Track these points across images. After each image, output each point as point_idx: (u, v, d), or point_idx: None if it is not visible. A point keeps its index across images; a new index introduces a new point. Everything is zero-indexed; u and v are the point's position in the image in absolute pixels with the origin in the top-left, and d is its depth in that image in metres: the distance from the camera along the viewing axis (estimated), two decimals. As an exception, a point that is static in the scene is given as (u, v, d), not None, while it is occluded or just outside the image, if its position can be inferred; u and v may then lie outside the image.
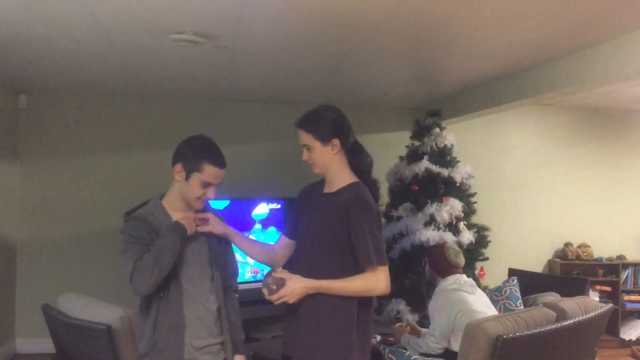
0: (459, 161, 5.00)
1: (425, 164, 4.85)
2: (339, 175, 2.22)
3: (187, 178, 2.10)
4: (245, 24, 2.96)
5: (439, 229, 4.66)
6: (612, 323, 5.35)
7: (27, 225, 5.16)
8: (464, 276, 3.37)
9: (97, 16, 2.85)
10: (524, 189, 6.01)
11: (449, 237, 4.60)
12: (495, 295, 3.85)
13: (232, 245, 2.33)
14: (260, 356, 3.61)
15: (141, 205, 2.19)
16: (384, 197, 5.09)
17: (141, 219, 2.08)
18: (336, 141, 2.18)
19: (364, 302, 2.15)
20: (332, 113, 2.22)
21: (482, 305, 3.24)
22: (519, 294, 3.82)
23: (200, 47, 3.35)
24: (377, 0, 2.59)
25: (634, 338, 5.77)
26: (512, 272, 4.59)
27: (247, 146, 5.55)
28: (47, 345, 3.47)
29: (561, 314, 2.94)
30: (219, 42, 3.30)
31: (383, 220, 4.98)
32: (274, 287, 2.08)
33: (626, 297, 5.87)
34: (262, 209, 4.95)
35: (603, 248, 6.03)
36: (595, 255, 5.96)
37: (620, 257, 5.99)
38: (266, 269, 2.41)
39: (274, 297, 2.09)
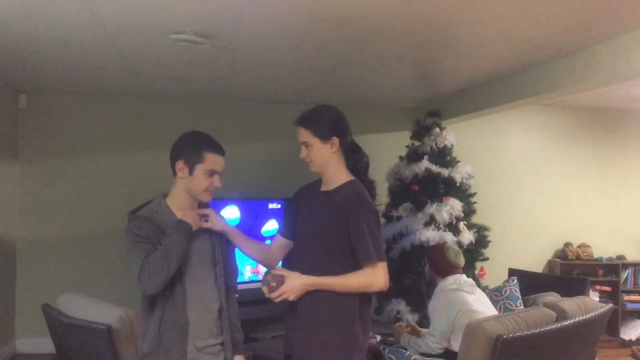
0: (459, 161, 5.00)
1: (425, 164, 4.84)
2: (336, 173, 2.24)
3: (190, 172, 2.12)
4: (245, 24, 2.97)
5: (439, 229, 4.66)
6: (612, 323, 5.35)
7: (27, 225, 5.16)
8: (464, 276, 3.38)
9: (97, 16, 2.85)
10: (524, 189, 6.01)
11: (449, 237, 4.60)
12: (495, 295, 3.85)
13: (232, 246, 2.34)
14: (260, 356, 3.62)
15: (144, 204, 2.19)
16: (384, 197, 5.11)
17: (146, 217, 2.08)
18: (335, 139, 2.20)
19: (364, 297, 2.17)
20: (332, 112, 2.25)
21: (482, 305, 3.24)
22: (519, 294, 3.82)
23: (200, 47, 3.35)
24: (377, 0, 2.59)
25: (634, 338, 5.76)
26: (512, 272, 4.59)
27: (247, 146, 5.55)
28: (47, 345, 3.47)
29: (561, 314, 2.93)
30: (219, 42, 3.30)
31: (383, 220, 4.98)
32: (274, 284, 2.09)
33: (626, 297, 5.87)
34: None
35: (603, 248, 6.03)
36: (595, 255, 5.96)
37: (620, 257, 5.99)
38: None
39: (273, 295, 2.10)
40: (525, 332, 2.61)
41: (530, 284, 4.14)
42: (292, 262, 2.28)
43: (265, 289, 2.12)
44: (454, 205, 4.74)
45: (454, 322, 3.12)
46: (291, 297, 2.09)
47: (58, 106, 5.22)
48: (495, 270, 5.06)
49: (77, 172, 5.25)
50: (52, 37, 3.26)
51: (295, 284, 2.09)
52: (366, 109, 5.79)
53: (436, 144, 4.95)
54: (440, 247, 3.51)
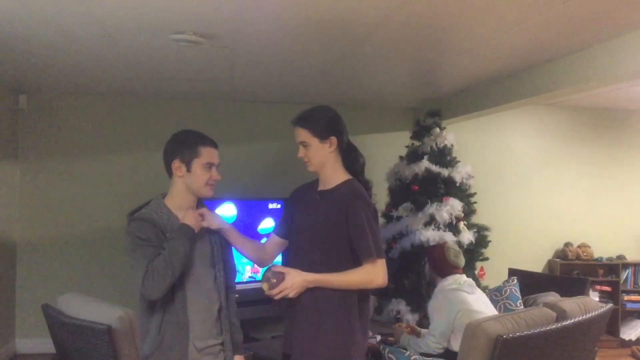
0: (459, 161, 5.00)
1: (425, 164, 4.84)
2: (334, 173, 2.26)
3: (188, 169, 2.12)
4: (245, 24, 2.97)
5: (439, 229, 4.66)
6: (612, 323, 5.36)
7: (27, 225, 5.16)
8: (464, 276, 3.38)
9: (97, 16, 2.85)
10: (524, 189, 6.01)
11: (449, 237, 4.59)
12: (495, 295, 3.84)
13: (230, 246, 2.34)
14: (260, 356, 3.62)
15: (143, 205, 2.19)
16: (384, 197, 5.11)
17: (146, 218, 2.08)
18: (333, 139, 2.22)
19: (362, 294, 2.19)
20: (329, 112, 2.28)
21: (481, 305, 3.24)
22: (519, 294, 3.82)
23: (200, 47, 3.35)
24: (377, 0, 2.59)
25: (634, 338, 5.76)
26: (512, 272, 4.59)
27: (247, 146, 5.55)
28: (47, 345, 3.47)
29: (561, 314, 2.93)
30: (219, 42, 3.30)
31: (383, 220, 4.98)
32: (274, 281, 2.10)
33: (626, 297, 5.87)
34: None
35: (603, 248, 6.02)
36: (595, 255, 5.96)
37: (620, 257, 5.99)
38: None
39: (274, 292, 2.11)
40: (525, 332, 2.61)
41: (530, 284, 4.14)
42: (290, 260, 2.29)
43: (265, 286, 2.13)
44: (454, 205, 4.74)
45: (453, 322, 3.12)
46: (291, 294, 2.10)
47: (58, 106, 5.22)
48: (495, 270, 5.06)
49: (77, 172, 5.26)
50: (52, 37, 3.26)
51: (296, 280, 2.10)
52: (366, 109, 5.79)
53: (436, 144, 4.95)
54: (441, 247, 3.50)
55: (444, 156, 4.94)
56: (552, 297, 3.66)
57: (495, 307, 3.57)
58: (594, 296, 5.61)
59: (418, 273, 4.62)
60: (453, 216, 4.72)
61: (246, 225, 4.75)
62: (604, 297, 5.75)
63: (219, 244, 2.25)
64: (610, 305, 3.18)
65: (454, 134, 5.06)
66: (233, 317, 2.26)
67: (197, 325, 2.11)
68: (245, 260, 4.55)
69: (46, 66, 4.05)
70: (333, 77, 4.36)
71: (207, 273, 2.18)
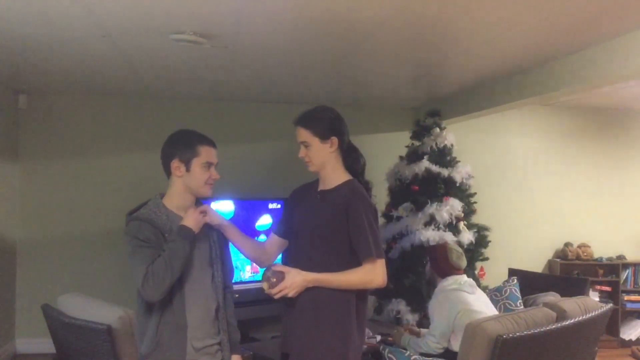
0: (459, 161, 4.99)
1: (425, 164, 4.84)
2: (334, 173, 2.26)
3: (188, 169, 2.13)
4: (245, 24, 2.97)
5: (439, 229, 4.66)
6: (612, 323, 5.35)
7: (27, 225, 5.16)
8: (464, 276, 3.38)
9: (97, 16, 2.85)
10: (524, 189, 6.01)
11: (449, 237, 4.59)
12: (495, 295, 3.85)
13: (228, 246, 2.34)
14: (260, 356, 3.61)
15: (141, 205, 2.18)
16: (384, 197, 5.11)
17: (145, 218, 2.08)
18: (334, 139, 2.22)
19: (360, 294, 2.19)
20: (331, 112, 2.28)
21: (482, 306, 3.24)
22: (519, 294, 3.82)
23: (200, 47, 3.35)
24: (377, 0, 2.59)
25: (634, 338, 5.76)
26: (512, 272, 4.59)
27: (247, 146, 5.55)
28: (47, 345, 3.47)
29: (561, 314, 2.93)
30: (219, 42, 3.30)
31: (383, 220, 4.98)
32: (274, 280, 2.11)
33: (626, 297, 5.87)
34: (265, 220, 4.95)
35: (603, 248, 6.02)
36: (595, 255, 5.95)
37: (620, 257, 5.99)
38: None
39: (273, 291, 2.11)
40: (525, 332, 2.61)
41: (530, 284, 4.14)
42: (290, 259, 2.29)
43: (265, 285, 2.13)
44: (454, 205, 4.74)
45: (454, 322, 3.12)
46: (291, 294, 2.11)
47: (58, 106, 5.22)
48: (495, 270, 5.06)
49: (77, 172, 5.25)
50: (52, 37, 3.26)
51: (295, 280, 2.10)
52: (366, 109, 5.79)
53: (436, 144, 4.94)
54: (443, 247, 3.49)
55: (444, 156, 4.94)
56: (552, 297, 3.66)
57: (495, 307, 3.57)
58: (594, 296, 5.61)
59: (418, 273, 4.61)
60: (453, 216, 4.72)
61: (246, 225, 4.75)
62: (604, 297, 5.75)
63: (217, 244, 2.25)
64: (610, 305, 3.18)
65: (454, 134, 5.06)
66: (230, 316, 2.26)
67: (195, 325, 2.11)
68: (242, 257, 4.55)
69: (46, 66, 4.05)
70: (333, 77, 4.36)
71: (205, 273, 2.18)
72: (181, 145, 2.14)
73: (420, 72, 4.24)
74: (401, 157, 5.19)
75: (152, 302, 2.05)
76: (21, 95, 5.12)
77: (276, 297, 2.12)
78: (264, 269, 2.21)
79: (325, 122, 2.23)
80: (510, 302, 3.76)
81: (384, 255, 2.20)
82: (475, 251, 4.83)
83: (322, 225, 2.20)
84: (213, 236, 2.24)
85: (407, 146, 5.22)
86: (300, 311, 2.17)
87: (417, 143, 5.10)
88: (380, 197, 4.85)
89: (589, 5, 2.65)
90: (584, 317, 2.89)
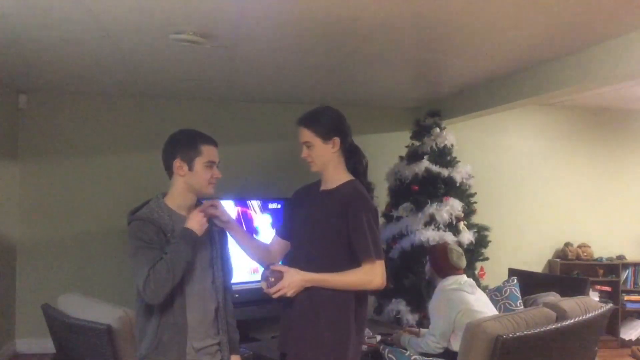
0: (459, 161, 5.00)
1: (425, 164, 4.85)
2: (337, 173, 2.26)
3: (190, 168, 2.12)
4: (245, 24, 2.97)
5: (439, 229, 4.66)
6: (612, 323, 5.36)
7: (27, 225, 5.16)
8: (464, 276, 3.38)
9: (97, 16, 2.85)
10: (524, 189, 6.01)
11: (449, 237, 4.59)
12: (495, 295, 3.84)
13: (228, 246, 2.34)
14: (260, 356, 3.61)
15: (143, 205, 2.18)
16: (384, 197, 5.11)
17: (147, 218, 2.07)
18: (337, 139, 2.22)
19: (360, 296, 2.18)
20: (333, 113, 2.28)
21: (482, 306, 3.24)
22: (519, 294, 3.82)
23: (200, 47, 3.35)
24: (377, 0, 2.59)
25: (634, 338, 5.76)
26: (512, 272, 4.59)
27: (247, 146, 5.55)
28: (47, 345, 3.47)
29: (561, 314, 2.93)
30: (219, 42, 3.30)
31: (383, 220, 4.98)
32: (272, 279, 2.11)
33: (626, 297, 5.87)
34: (264, 219, 4.95)
35: (603, 248, 6.02)
36: (595, 255, 5.95)
37: (620, 257, 5.99)
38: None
39: (272, 290, 2.11)
40: (525, 332, 2.61)
41: (530, 284, 4.14)
42: (290, 259, 2.29)
43: (264, 285, 2.14)
44: (454, 205, 4.74)
45: (454, 321, 3.12)
46: (289, 293, 2.10)
47: (58, 106, 5.22)
48: (495, 270, 5.06)
49: (77, 172, 5.25)
50: (52, 37, 3.26)
51: (294, 280, 2.10)
52: (366, 109, 5.79)
53: (436, 144, 4.95)
54: (444, 247, 3.49)
55: (444, 156, 4.95)
56: (552, 297, 3.66)
57: (495, 307, 3.57)
58: (594, 296, 5.61)
59: (418, 273, 4.61)
60: (453, 216, 4.72)
61: (246, 224, 4.75)
62: (604, 297, 5.74)
63: (217, 244, 2.25)
64: (610, 305, 3.18)
65: (454, 134, 5.06)
66: (230, 317, 2.26)
67: (195, 325, 2.10)
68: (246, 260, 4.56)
69: (46, 66, 4.05)
70: (333, 77, 4.36)
71: (206, 273, 2.18)
72: (183, 144, 2.14)
73: (420, 72, 4.24)
74: (401, 157, 5.19)
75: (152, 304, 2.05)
76: (21, 95, 5.11)
77: (274, 296, 2.12)
78: (264, 268, 2.22)
79: (328, 122, 2.23)
80: (510, 302, 3.76)
81: (384, 256, 2.19)
82: (475, 251, 4.83)
83: (321, 226, 2.19)
84: (214, 236, 2.24)
85: (407, 146, 5.22)
86: (298, 311, 2.16)
87: (417, 143, 5.10)
88: (380, 197, 4.84)
89: (588, 6, 2.65)
90: (584, 317, 2.89)
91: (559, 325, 2.76)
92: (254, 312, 4.53)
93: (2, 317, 4.86)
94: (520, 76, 4.10)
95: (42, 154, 5.19)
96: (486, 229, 4.96)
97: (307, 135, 2.22)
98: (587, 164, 6.17)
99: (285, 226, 2.41)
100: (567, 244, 5.95)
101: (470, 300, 3.21)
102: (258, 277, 4.74)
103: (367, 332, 3.55)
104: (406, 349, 3.25)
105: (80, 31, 3.12)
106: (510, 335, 2.54)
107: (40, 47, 3.49)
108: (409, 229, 4.76)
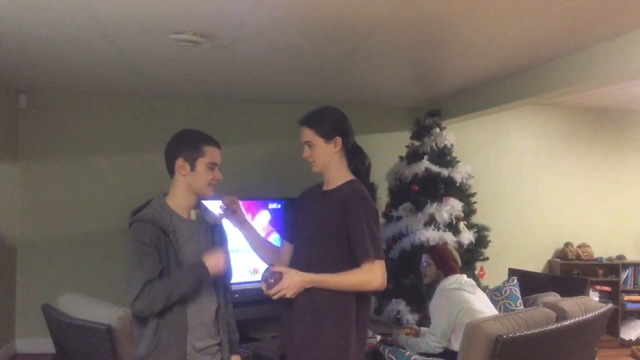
0: (459, 161, 5.00)
1: (425, 164, 4.85)
2: (338, 173, 2.25)
3: (192, 168, 2.12)
4: (245, 24, 2.97)
5: (439, 229, 4.66)
6: (612, 323, 5.36)
7: (27, 225, 5.16)
8: (464, 276, 3.38)
9: (97, 16, 2.85)
10: (524, 189, 6.01)
11: (449, 237, 4.60)
12: (495, 295, 3.84)
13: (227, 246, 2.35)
14: (260, 356, 3.61)
15: (144, 205, 2.18)
16: (384, 197, 5.11)
17: (148, 219, 2.06)
18: (338, 139, 2.22)
19: (362, 296, 2.17)
20: (335, 113, 2.28)
21: (482, 305, 3.25)
22: (519, 294, 3.82)
23: (200, 47, 3.35)
24: (377, 0, 2.59)
25: (634, 338, 5.76)
26: (512, 272, 4.59)
27: (247, 146, 5.55)
28: (47, 345, 3.47)
29: (561, 314, 2.93)
30: (219, 42, 3.30)
31: (383, 220, 4.98)
32: (272, 280, 2.10)
33: (626, 297, 5.87)
34: (264, 217, 4.96)
35: (603, 248, 6.02)
36: (595, 255, 5.96)
37: (620, 257, 5.99)
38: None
39: (271, 292, 2.11)
40: (525, 332, 2.61)
41: (530, 284, 4.14)
42: (292, 260, 2.29)
43: (263, 286, 2.13)
44: (454, 205, 4.74)
45: (455, 321, 3.13)
46: (289, 294, 2.10)
47: (58, 106, 5.22)
48: (495, 270, 5.06)
49: (77, 172, 5.25)
50: (52, 37, 3.26)
51: (293, 281, 2.09)
52: (366, 109, 5.79)
53: (436, 144, 4.95)
54: (445, 246, 3.56)
55: (444, 156, 4.95)
56: (552, 297, 3.66)
57: (495, 307, 3.57)
58: (594, 296, 5.61)
59: (418, 273, 4.60)
60: (453, 216, 4.72)
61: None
62: (604, 297, 5.75)
63: (217, 244, 2.24)
64: (610, 305, 3.18)
65: (454, 134, 5.06)
66: (230, 317, 2.26)
67: (196, 325, 2.10)
68: (246, 260, 4.55)
69: (46, 66, 4.05)
70: (333, 77, 4.36)
71: None
72: (187, 144, 2.14)
73: (420, 72, 4.24)
74: (401, 157, 5.19)
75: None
76: (21, 95, 5.11)
77: (274, 297, 2.12)
78: (265, 269, 2.22)
79: (330, 122, 2.22)
80: (510, 302, 3.76)
81: (384, 256, 2.17)
82: (475, 251, 4.83)
83: (322, 226, 2.19)
84: (215, 236, 2.24)
85: (407, 146, 5.22)
86: (298, 311, 2.16)
87: (417, 143, 5.10)
88: (381, 197, 4.85)
89: (588, 6, 2.65)
90: (584, 317, 2.89)
91: (559, 325, 2.76)
92: (254, 312, 4.54)
93: (2, 317, 4.86)
94: (520, 76, 4.10)
95: (42, 154, 5.19)
96: (486, 229, 4.96)
97: (308, 135, 2.22)
98: (587, 163, 6.17)
99: (291, 229, 2.42)
100: (567, 244, 5.95)
101: (471, 299, 3.21)
102: (258, 277, 4.76)
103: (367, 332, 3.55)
104: (406, 349, 3.25)
105: (80, 31, 3.12)
106: (510, 335, 2.54)
107: (40, 47, 3.49)
108: (409, 229, 4.76)
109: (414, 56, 3.70)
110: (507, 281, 3.98)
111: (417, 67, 4.04)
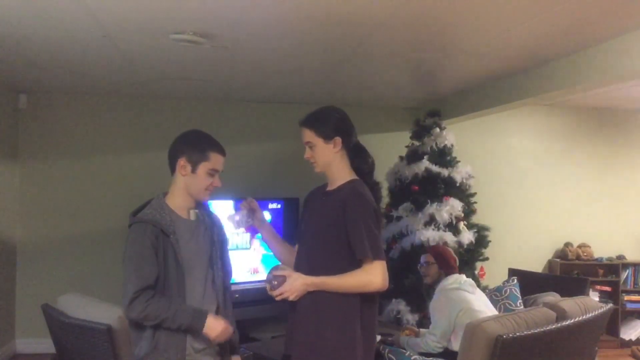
0: (459, 161, 5.00)
1: (425, 164, 4.85)
2: (340, 173, 2.25)
3: (193, 170, 2.12)
4: (245, 24, 2.97)
5: (439, 229, 4.66)
6: (612, 323, 5.35)
7: (27, 225, 5.16)
8: (464, 276, 3.39)
9: (97, 16, 2.85)
10: (524, 189, 6.01)
11: (449, 237, 4.60)
12: (495, 295, 3.85)
13: (227, 246, 2.36)
14: (260, 356, 3.61)
15: (145, 204, 2.17)
16: (384, 197, 5.10)
17: (149, 220, 2.06)
18: (338, 139, 2.21)
19: (367, 298, 2.15)
20: (336, 113, 2.27)
21: (482, 305, 3.25)
22: (519, 294, 3.82)
23: (200, 47, 3.35)
24: (377, 0, 2.59)
25: (634, 338, 5.76)
26: (512, 272, 4.59)
27: (247, 146, 5.55)
28: (47, 345, 3.47)
29: (561, 314, 2.93)
30: (219, 42, 3.30)
31: (383, 220, 4.97)
32: (275, 283, 2.11)
33: (626, 297, 5.87)
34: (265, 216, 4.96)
35: (603, 248, 6.02)
36: (595, 255, 5.95)
37: (620, 257, 5.99)
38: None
39: (274, 293, 2.12)
40: (525, 332, 2.61)
41: (530, 284, 4.14)
42: (295, 261, 2.29)
43: (267, 287, 2.15)
44: (454, 205, 4.74)
45: (455, 321, 3.13)
46: (291, 297, 2.10)
47: (58, 106, 5.22)
48: (495, 270, 5.06)
49: (77, 172, 5.25)
50: (52, 37, 3.26)
51: (295, 284, 2.09)
52: (366, 109, 5.79)
53: (436, 144, 4.95)
54: (445, 247, 3.58)
55: (444, 156, 4.95)
56: (552, 297, 3.66)
57: (495, 307, 3.57)
58: (594, 296, 5.61)
59: (418, 273, 4.60)
60: (453, 216, 4.72)
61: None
62: (604, 297, 5.75)
63: (217, 244, 2.24)
64: (610, 305, 3.18)
65: (454, 134, 5.06)
66: (230, 317, 2.26)
67: None
68: (246, 260, 4.55)
69: (46, 66, 4.05)
70: (333, 77, 4.36)
71: (206, 274, 2.17)
72: (193, 145, 2.13)
73: (420, 72, 4.24)
74: (401, 157, 5.19)
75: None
76: (21, 95, 5.12)
77: (277, 299, 2.13)
78: (269, 269, 2.22)
79: (330, 122, 2.22)
80: (510, 302, 3.76)
81: (384, 256, 2.16)
82: (475, 251, 4.83)
83: (322, 226, 2.19)
84: (215, 236, 2.24)
85: (407, 146, 5.22)
86: (301, 314, 2.16)
87: (417, 143, 5.10)
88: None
89: (588, 5, 2.65)
90: (584, 317, 2.89)
91: (559, 325, 2.76)
92: (254, 312, 4.53)
93: (2, 317, 4.86)
94: (520, 76, 4.10)
95: (42, 154, 5.19)
96: (486, 229, 4.96)
97: (308, 135, 2.22)
98: (587, 164, 6.17)
99: (298, 233, 2.42)
100: (567, 244, 5.95)
101: (470, 299, 3.22)
102: (258, 277, 4.77)
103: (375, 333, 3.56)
104: (406, 349, 3.25)
105: (80, 31, 3.12)
106: (510, 335, 2.54)
107: (40, 47, 3.49)
108: (409, 229, 4.76)
109: (414, 56, 3.70)
110: (507, 281, 3.98)
111: (417, 67, 4.04)
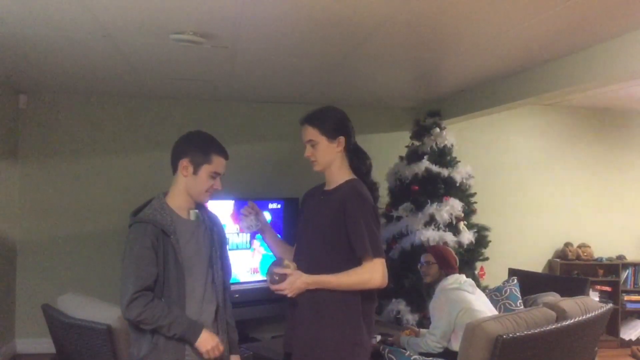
0: (459, 161, 5.00)
1: (425, 164, 4.85)
2: (339, 173, 2.26)
3: (195, 172, 2.12)
4: (245, 24, 2.97)
5: (439, 229, 4.66)
6: (612, 323, 5.35)
7: (27, 225, 5.16)
8: (464, 276, 3.39)
9: (98, 16, 2.85)
10: (524, 189, 6.01)
11: (449, 237, 4.60)
12: (495, 295, 3.85)
13: (226, 246, 2.36)
14: (260, 356, 3.61)
15: (145, 204, 2.17)
16: (384, 197, 5.11)
17: (149, 220, 2.06)
18: (342, 139, 2.23)
19: (366, 294, 2.17)
20: (338, 112, 2.29)
21: (482, 305, 3.25)
22: (519, 294, 3.82)
23: (200, 47, 3.35)
24: (377, 0, 2.59)
25: (634, 338, 5.77)
26: (512, 272, 4.59)
27: (247, 146, 5.55)
28: (47, 345, 3.47)
29: (561, 314, 2.93)
30: (219, 42, 3.30)
31: (383, 220, 4.98)
32: (276, 278, 2.13)
33: (626, 297, 5.88)
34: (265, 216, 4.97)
35: (603, 248, 6.03)
36: (595, 255, 5.96)
37: (620, 257, 5.99)
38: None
39: (274, 287, 2.14)
40: (525, 332, 2.61)
41: (530, 284, 4.14)
42: (295, 260, 2.29)
43: (268, 279, 2.17)
44: (454, 205, 4.74)
45: (455, 321, 3.13)
46: (290, 295, 2.12)
47: (58, 106, 5.22)
48: (495, 270, 5.06)
49: (77, 172, 5.25)
50: (52, 37, 3.26)
51: (295, 282, 2.11)
52: (366, 109, 5.79)
53: (436, 144, 4.95)
54: (445, 247, 3.58)
55: (444, 156, 4.95)
56: (552, 297, 3.66)
57: (495, 307, 3.57)
58: (594, 296, 5.61)
59: (418, 273, 4.60)
60: (453, 216, 4.72)
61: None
62: (604, 297, 5.75)
63: (217, 244, 2.24)
64: (610, 305, 3.18)
65: (454, 134, 5.06)
66: (229, 317, 2.26)
67: None
68: (246, 260, 4.55)
69: (46, 66, 4.05)
70: (333, 77, 4.36)
71: (205, 273, 2.17)
72: (197, 147, 2.13)
73: (420, 72, 4.24)
74: (401, 157, 5.19)
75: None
76: (21, 95, 5.12)
77: (276, 293, 2.15)
78: (269, 264, 2.23)
79: (333, 121, 2.23)
80: (510, 302, 3.76)
81: (384, 254, 2.18)
82: (475, 251, 4.83)
83: (322, 225, 2.20)
84: (215, 236, 2.24)
85: (407, 146, 5.22)
86: (301, 311, 2.17)
87: (417, 143, 5.10)
88: (381, 196, 4.85)
89: (588, 6, 2.65)
90: (584, 317, 2.89)
91: (559, 325, 2.76)
92: (254, 312, 4.53)
93: (2, 317, 4.86)
94: (520, 76, 4.10)
95: (42, 154, 5.19)
96: (486, 229, 4.96)
97: (312, 133, 2.22)
98: (587, 164, 6.17)
99: (295, 230, 2.43)
100: (567, 244, 5.95)
101: (470, 299, 3.22)
102: (258, 277, 4.77)
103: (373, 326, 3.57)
104: (406, 349, 3.25)
105: (80, 31, 3.12)
106: (510, 335, 2.54)
107: (40, 47, 3.49)
108: (409, 229, 4.76)
109: (414, 56, 3.70)
110: (507, 281, 3.99)
111: (417, 67, 4.04)
